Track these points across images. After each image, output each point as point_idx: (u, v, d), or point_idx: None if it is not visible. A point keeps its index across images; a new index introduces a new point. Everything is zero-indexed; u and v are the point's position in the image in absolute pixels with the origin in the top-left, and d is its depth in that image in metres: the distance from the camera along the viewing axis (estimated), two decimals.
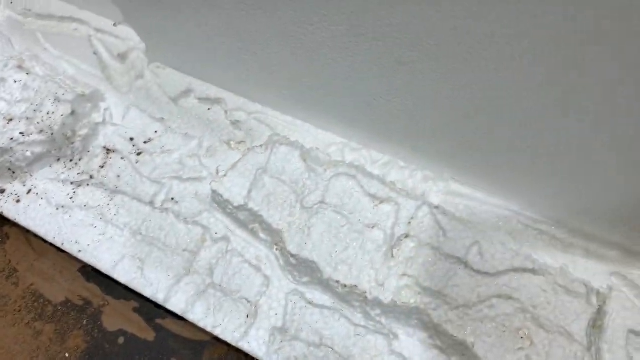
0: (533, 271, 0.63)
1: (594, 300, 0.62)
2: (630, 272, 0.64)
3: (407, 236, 0.66)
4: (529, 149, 0.59)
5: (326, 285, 0.67)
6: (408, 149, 0.71)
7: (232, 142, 0.79)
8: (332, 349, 0.65)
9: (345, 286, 0.66)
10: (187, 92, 0.84)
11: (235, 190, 0.71)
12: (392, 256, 0.66)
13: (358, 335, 0.66)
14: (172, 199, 0.76)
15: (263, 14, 0.62)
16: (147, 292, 0.73)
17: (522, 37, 0.45)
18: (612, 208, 0.59)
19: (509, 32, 0.45)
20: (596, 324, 0.62)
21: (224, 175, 0.72)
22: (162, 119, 0.82)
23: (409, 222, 0.67)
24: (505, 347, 0.61)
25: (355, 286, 0.65)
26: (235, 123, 0.80)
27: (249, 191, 0.71)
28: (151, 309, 0.76)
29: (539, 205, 0.66)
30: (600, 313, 0.62)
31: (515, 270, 0.64)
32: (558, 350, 0.60)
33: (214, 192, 0.72)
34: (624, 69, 0.42)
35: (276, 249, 0.70)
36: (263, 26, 0.64)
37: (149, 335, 0.75)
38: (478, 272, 0.64)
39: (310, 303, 0.68)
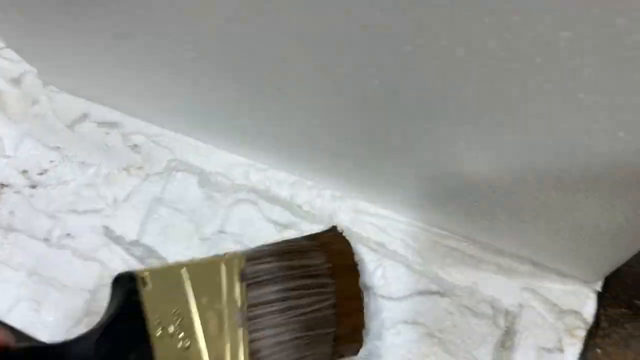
0: (439, 293, 0.61)
1: (501, 321, 0.60)
2: (540, 285, 0.61)
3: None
4: (429, 167, 0.56)
5: None
6: (314, 168, 0.68)
7: (131, 168, 0.74)
8: None
9: None
10: (83, 117, 0.79)
11: (128, 225, 0.67)
12: None
13: None
14: (68, 234, 0.72)
15: (137, 41, 0.57)
16: (43, 337, 0.68)
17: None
18: (517, 225, 0.57)
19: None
20: (505, 345, 0.60)
21: (116, 209, 0.67)
22: (58, 147, 0.77)
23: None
24: None
25: None
26: (134, 147, 0.75)
27: (143, 224, 0.66)
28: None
29: (447, 222, 0.64)
30: (509, 333, 0.60)
31: (421, 293, 0.61)
32: None
33: (105, 228, 0.68)
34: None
35: None
36: (143, 52, 0.59)
37: None
38: (382, 297, 0.61)
39: None
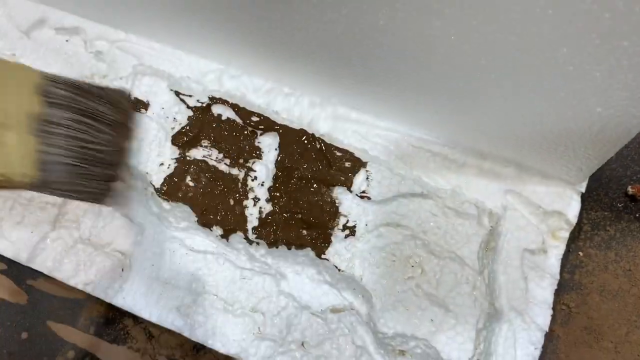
0: (422, 195, 0.59)
1: (485, 221, 0.58)
2: (524, 188, 0.60)
3: (289, 168, 0.60)
4: (413, 69, 0.52)
5: (206, 229, 0.60)
6: (291, 73, 0.64)
7: (95, 77, 0.69)
8: (217, 296, 0.60)
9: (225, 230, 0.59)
10: (40, 23, 0.73)
11: None
12: (274, 189, 0.60)
13: (244, 278, 0.60)
14: None
15: None
16: (8, 253, 0.65)
17: None
18: (502, 124, 0.54)
19: None
20: (489, 246, 0.58)
21: None
22: (14, 55, 0.71)
23: (292, 153, 0.61)
24: (395, 277, 0.57)
25: (235, 229, 0.59)
26: (97, 54, 0.70)
27: None
28: (21, 270, 0.68)
29: (429, 126, 0.61)
30: (493, 234, 0.58)
31: (403, 195, 0.59)
32: (449, 276, 0.57)
33: None
34: None
35: (146, 195, 0.63)
36: None
37: (21, 299, 0.68)
38: (365, 199, 0.59)
39: (190, 250, 0.62)
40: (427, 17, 0.43)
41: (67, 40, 0.72)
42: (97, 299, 0.65)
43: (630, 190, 0.64)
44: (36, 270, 0.66)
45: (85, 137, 0.53)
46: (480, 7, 0.40)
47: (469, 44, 0.44)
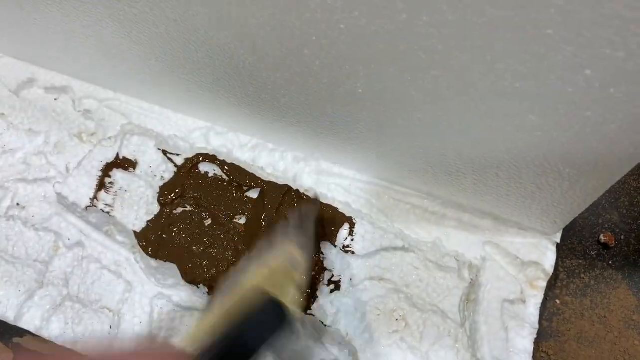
0: (404, 249, 0.61)
1: (466, 274, 0.60)
2: (502, 239, 0.62)
3: (276, 224, 0.62)
4: (390, 132, 0.55)
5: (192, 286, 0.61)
6: (276, 131, 0.66)
7: (83, 135, 0.71)
8: None
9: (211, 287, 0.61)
10: (29, 82, 0.75)
11: (82, 191, 0.64)
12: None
13: None
14: (18, 204, 0.68)
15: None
16: None
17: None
18: (477, 181, 0.57)
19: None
20: (470, 298, 0.60)
21: (68, 175, 0.64)
22: (3, 114, 0.72)
23: (278, 208, 0.63)
24: (380, 331, 0.58)
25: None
26: (85, 113, 0.72)
27: (96, 191, 0.63)
28: (7, 328, 0.68)
29: (408, 180, 0.64)
30: (474, 286, 0.60)
31: (386, 249, 0.61)
32: (432, 329, 0.58)
33: (58, 194, 0.64)
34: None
35: (135, 252, 0.64)
36: (92, 7, 0.56)
37: (7, 357, 0.68)
38: (349, 254, 0.61)
39: (179, 306, 0.63)
40: (403, 87, 0.46)
41: (56, 99, 0.74)
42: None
43: (602, 238, 0.67)
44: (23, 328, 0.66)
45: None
46: (451, 81, 0.43)
47: (443, 111, 0.47)
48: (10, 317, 0.64)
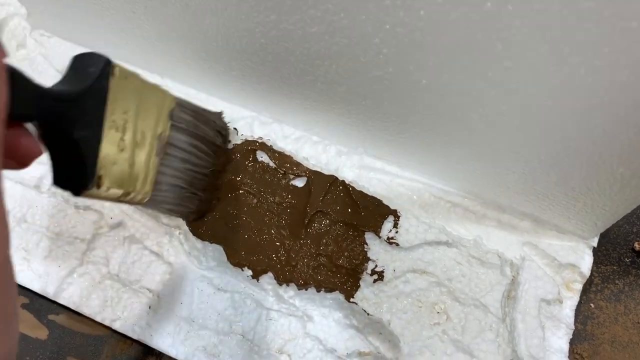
0: (447, 244, 0.62)
1: (507, 270, 0.61)
2: (540, 241, 0.63)
3: (320, 212, 0.63)
4: (445, 126, 0.56)
5: (235, 269, 0.62)
6: (321, 123, 0.67)
7: None
8: (243, 336, 0.61)
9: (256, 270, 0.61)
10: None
11: None
12: (305, 233, 0.62)
13: (270, 319, 0.62)
14: None
15: None
16: (35, 286, 0.65)
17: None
18: (526, 182, 0.58)
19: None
20: (510, 295, 0.61)
21: None
22: None
23: (324, 197, 0.64)
24: (422, 322, 0.59)
25: (266, 270, 0.61)
26: None
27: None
28: (43, 305, 0.68)
29: (450, 178, 0.65)
30: (514, 283, 0.61)
31: (429, 243, 0.62)
32: (474, 323, 0.59)
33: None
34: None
35: (179, 233, 0.64)
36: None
37: (42, 334, 0.68)
38: (392, 246, 0.61)
39: (219, 289, 0.63)
40: (471, 79, 0.47)
41: None
42: (120, 336, 0.65)
43: (637, 246, 0.68)
44: (59, 306, 0.66)
45: (196, 161, 0.57)
46: (521, 73, 0.44)
47: (507, 105, 0.48)
48: (50, 292, 0.65)
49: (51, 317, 0.69)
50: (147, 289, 0.65)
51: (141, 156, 0.48)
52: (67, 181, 0.42)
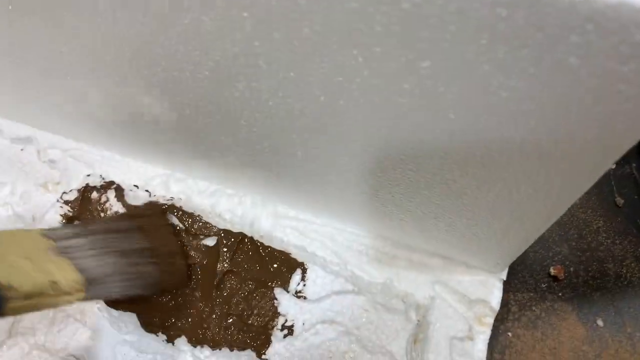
0: (354, 292, 0.63)
1: (412, 315, 0.62)
2: (451, 277, 0.64)
3: (230, 271, 0.64)
4: (333, 179, 0.57)
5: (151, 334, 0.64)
6: (232, 177, 0.68)
7: (48, 184, 0.73)
8: None
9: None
10: None
11: None
12: (216, 294, 0.64)
13: None
14: None
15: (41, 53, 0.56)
16: None
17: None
18: (419, 228, 0.59)
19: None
20: (418, 338, 0.62)
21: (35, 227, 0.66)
22: None
23: (232, 256, 0.65)
24: None
25: (179, 334, 0.63)
26: (50, 163, 0.74)
27: None
28: None
29: (359, 222, 0.66)
30: (421, 326, 0.63)
31: (337, 293, 0.63)
32: None
33: None
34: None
35: (96, 302, 0.66)
36: (50, 66, 0.59)
37: None
38: (301, 299, 0.63)
39: (140, 351, 0.65)
40: (334, 151, 0.48)
41: (22, 149, 0.76)
42: None
43: (552, 271, 0.69)
44: None
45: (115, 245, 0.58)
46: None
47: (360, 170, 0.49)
48: None
49: None
50: (74, 356, 0.67)
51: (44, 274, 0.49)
52: None
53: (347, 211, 0.65)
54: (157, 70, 0.47)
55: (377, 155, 0.48)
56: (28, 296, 0.45)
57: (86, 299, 0.54)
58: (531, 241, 0.55)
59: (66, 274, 0.50)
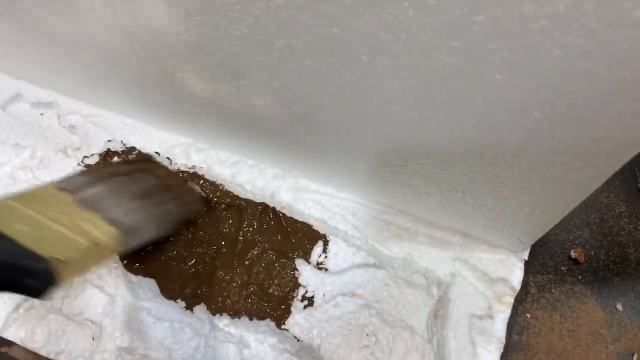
0: (375, 265, 0.63)
1: (434, 291, 0.62)
2: (472, 255, 0.64)
3: (252, 241, 0.64)
4: (362, 149, 0.57)
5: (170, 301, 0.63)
6: (255, 148, 0.68)
7: (68, 150, 0.72)
8: None
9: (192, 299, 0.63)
10: (16, 97, 0.77)
11: None
12: (237, 263, 0.63)
13: (208, 347, 0.63)
14: None
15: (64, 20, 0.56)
16: None
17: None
18: (444, 202, 0.59)
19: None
20: (438, 314, 0.62)
21: None
22: None
23: (254, 226, 0.65)
24: (351, 346, 0.60)
25: (199, 301, 0.62)
26: (71, 128, 0.74)
27: None
28: None
29: (381, 197, 0.65)
30: (442, 302, 0.62)
31: (358, 266, 0.63)
32: (401, 345, 0.60)
33: None
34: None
35: (116, 267, 0.66)
36: (75, 33, 0.58)
37: None
38: (322, 271, 0.63)
39: (158, 319, 0.65)
40: (364, 116, 0.48)
41: (41, 114, 0.76)
42: None
43: (573, 254, 0.69)
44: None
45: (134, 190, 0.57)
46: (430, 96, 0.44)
47: (421, 133, 0.49)
48: None
49: (4, 349, 0.71)
50: (90, 321, 0.66)
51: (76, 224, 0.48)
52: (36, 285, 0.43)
53: (370, 185, 0.65)
54: (190, 25, 0.46)
55: (413, 124, 0.47)
56: (74, 264, 0.44)
57: (124, 250, 0.53)
58: (558, 219, 0.55)
59: (102, 230, 0.49)
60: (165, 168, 0.66)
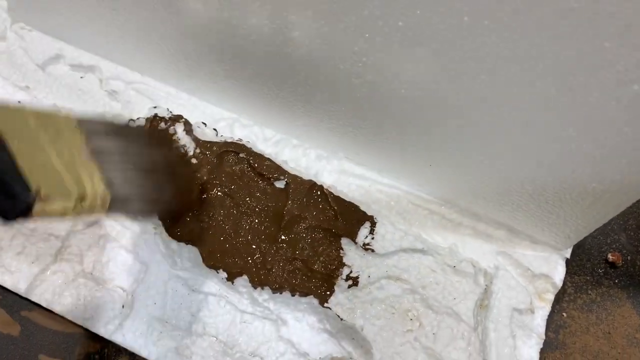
0: (422, 251, 0.62)
1: (481, 279, 0.62)
2: (515, 250, 0.64)
3: (298, 216, 0.63)
4: (421, 133, 0.56)
5: (210, 271, 0.62)
6: (301, 127, 0.67)
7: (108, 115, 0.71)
8: (217, 338, 0.61)
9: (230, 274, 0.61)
10: (56, 58, 0.75)
11: None
12: (283, 237, 0.62)
13: (244, 322, 0.62)
14: None
15: None
16: (7, 283, 0.65)
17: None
18: (500, 191, 0.59)
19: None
20: (483, 304, 0.62)
21: None
22: (27, 87, 0.72)
23: (301, 202, 0.64)
24: (394, 329, 0.59)
25: (241, 273, 0.61)
26: (112, 93, 0.72)
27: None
28: (16, 301, 0.67)
29: (428, 186, 0.65)
30: (487, 292, 0.62)
31: (405, 250, 0.62)
32: (446, 331, 0.59)
33: None
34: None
35: (155, 233, 0.64)
36: None
37: (14, 330, 0.67)
38: (368, 252, 0.62)
39: (193, 290, 0.63)
40: (445, 90, 0.47)
41: (82, 77, 0.74)
42: (93, 334, 0.65)
43: (610, 257, 0.69)
44: (32, 302, 0.66)
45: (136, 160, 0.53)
46: (493, 84, 0.44)
47: (482, 117, 0.49)
48: (22, 289, 0.64)
49: (24, 313, 0.68)
50: (121, 288, 0.64)
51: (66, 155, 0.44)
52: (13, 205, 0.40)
53: (419, 172, 0.65)
54: None
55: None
56: (51, 205, 0.41)
57: (100, 216, 0.48)
58: (608, 218, 0.55)
59: (95, 187, 0.45)
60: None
